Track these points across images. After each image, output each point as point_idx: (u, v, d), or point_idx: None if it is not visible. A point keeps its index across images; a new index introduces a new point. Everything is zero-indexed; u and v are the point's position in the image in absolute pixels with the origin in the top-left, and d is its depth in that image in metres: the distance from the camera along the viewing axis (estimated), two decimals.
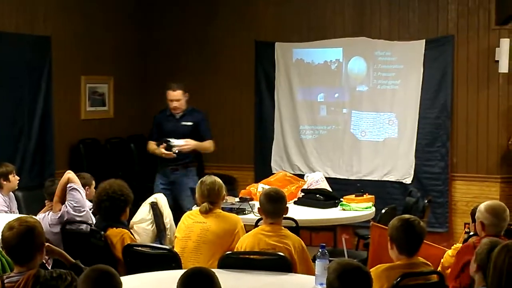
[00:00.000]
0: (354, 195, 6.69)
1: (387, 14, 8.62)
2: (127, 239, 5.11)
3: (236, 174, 9.43)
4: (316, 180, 7.05)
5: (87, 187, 6.11)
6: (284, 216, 4.98)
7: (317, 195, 6.70)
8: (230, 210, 5.96)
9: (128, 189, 5.44)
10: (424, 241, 4.26)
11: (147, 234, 6.10)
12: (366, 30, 8.70)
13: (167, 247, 5.25)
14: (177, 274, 4.03)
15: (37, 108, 8.24)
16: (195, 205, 5.83)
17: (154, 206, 6.19)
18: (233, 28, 9.42)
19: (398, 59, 8.55)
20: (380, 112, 8.68)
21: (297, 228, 5.67)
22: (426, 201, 7.02)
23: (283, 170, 8.36)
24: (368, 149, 8.76)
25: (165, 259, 4.87)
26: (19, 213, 6.54)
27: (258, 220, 5.59)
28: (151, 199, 6.29)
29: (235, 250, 4.86)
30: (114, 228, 5.17)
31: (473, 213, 5.04)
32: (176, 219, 5.80)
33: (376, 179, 8.66)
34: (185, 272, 3.32)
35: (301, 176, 7.51)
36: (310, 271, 4.55)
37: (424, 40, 8.38)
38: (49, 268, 4.57)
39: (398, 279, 3.97)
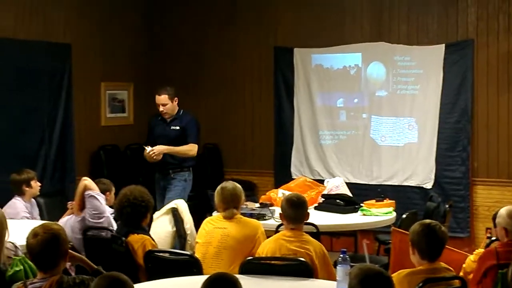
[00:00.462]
0: (374, 200, 6.67)
1: (405, 18, 8.61)
2: (148, 245, 5.09)
3: (256, 180, 9.44)
4: (336, 185, 7.08)
5: (107, 193, 6.11)
6: (305, 221, 4.98)
7: (338, 200, 6.70)
8: (251, 215, 5.96)
9: (149, 195, 5.45)
10: (446, 246, 4.24)
11: (165, 240, 6.06)
12: (385, 35, 8.70)
13: (188, 252, 5.26)
14: (198, 280, 3.99)
15: (57, 115, 8.34)
16: (215, 211, 5.82)
17: (175, 212, 6.17)
18: (252, 34, 9.45)
19: (418, 64, 8.53)
20: (400, 117, 8.67)
21: (317, 233, 5.65)
22: (447, 206, 6.99)
23: (303, 176, 8.35)
24: (388, 154, 8.74)
25: (186, 265, 4.86)
26: (40, 219, 6.58)
27: (279, 225, 5.60)
28: (172, 204, 6.28)
29: (256, 255, 4.86)
30: (135, 234, 5.16)
31: (494, 218, 5.02)
32: None
33: (396, 184, 8.65)
34: (208, 277, 3.32)
35: (321, 181, 7.53)
36: (331, 277, 4.53)
37: (443, 45, 8.35)
38: (73, 274, 4.59)
39: (420, 285, 3.95)
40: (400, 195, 8.19)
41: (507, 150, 8.18)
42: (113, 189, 6.24)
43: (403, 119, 8.66)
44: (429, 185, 8.44)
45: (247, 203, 6.69)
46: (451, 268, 4.22)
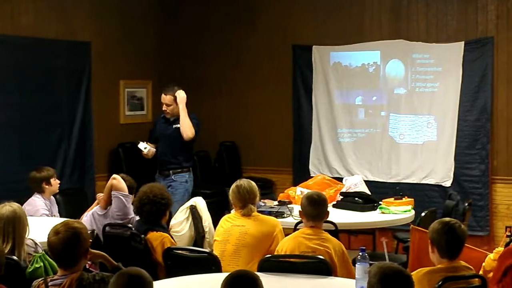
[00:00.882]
0: (393, 198, 6.67)
1: (424, 16, 8.60)
2: (167, 243, 5.14)
3: (274, 178, 9.47)
4: (355, 183, 7.07)
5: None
6: (324, 220, 4.99)
7: (356, 198, 6.71)
8: (269, 213, 5.99)
9: (168, 192, 5.50)
10: (465, 244, 4.23)
11: (181, 237, 6.09)
12: (404, 33, 8.70)
13: (207, 250, 5.27)
14: (216, 277, 4.08)
15: (77, 113, 8.39)
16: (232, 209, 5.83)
17: (193, 210, 6.19)
18: (270, 33, 9.48)
19: (436, 62, 8.53)
20: (418, 115, 8.67)
21: (336, 231, 5.64)
22: (466, 204, 6.97)
23: (321, 174, 8.35)
24: (407, 152, 8.75)
25: (205, 262, 4.87)
26: (60, 217, 6.62)
27: (297, 223, 5.61)
28: (190, 202, 6.30)
29: (275, 253, 4.87)
30: (155, 232, 5.21)
31: None
32: None
33: (415, 182, 8.65)
34: (230, 275, 3.34)
35: (340, 179, 7.53)
36: (350, 275, 4.55)
37: (462, 42, 8.34)
38: (96, 271, 4.61)
39: (440, 283, 3.94)
40: (419, 193, 8.22)
41: None
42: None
43: (422, 117, 8.66)
44: (448, 183, 8.44)
45: (266, 200, 6.78)
46: (471, 267, 4.21)
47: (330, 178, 7.46)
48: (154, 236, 5.17)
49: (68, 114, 8.32)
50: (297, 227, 5.47)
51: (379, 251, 7.00)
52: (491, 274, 4.54)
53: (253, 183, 5.47)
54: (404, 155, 8.75)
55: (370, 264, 3.82)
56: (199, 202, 6.30)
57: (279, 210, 6.23)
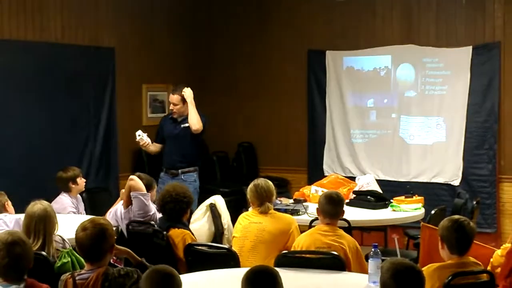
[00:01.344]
0: (404, 197, 6.72)
1: (434, 21, 8.67)
2: (188, 239, 5.22)
3: (290, 177, 9.53)
4: (367, 182, 7.16)
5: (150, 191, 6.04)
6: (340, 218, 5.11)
7: (368, 197, 6.78)
8: (285, 211, 6.06)
9: (190, 191, 5.60)
10: (474, 241, 4.27)
11: (201, 234, 6.12)
12: (414, 38, 8.76)
13: (226, 246, 5.37)
14: (235, 272, 4.20)
15: (102, 116, 8.48)
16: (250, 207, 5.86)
17: (213, 208, 6.29)
18: (286, 38, 9.55)
19: (446, 65, 8.60)
20: (428, 117, 8.74)
21: (349, 228, 5.69)
22: (474, 202, 7.02)
23: (335, 173, 8.46)
24: (417, 152, 8.81)
25: (224, 258, 4.95)
26: (86, 214, 6.69)
27: (313, 220, 5.73)
28: (210, 200, 6.37)
29: (291, 249, 4.93)
30: (176, 229, 5.29)
31: None
32: None
33: (425, 181, 8.72)
34: (250, 270, 3.39)
35: (352, 178, 7.60)
36: (363, 270, 4.62)
37: (471, 47, 8.41)
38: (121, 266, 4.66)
39: (450, 278, 3.98)
40: (429, 192, 8.24)
41: None
42: (155, 186, 6.26)
43: (431, 119, 8.72)
44: (456, 182, 8.52)
45: (282, 199, 6.83)
46: (480, 263, 4.25)
47: (343, 177, 7.55)
48: (176, 233, 5.26)
49: (94, 116, 8.38)
50: (313, 224, 5.58)
51: (390, 247, 6.98)
52: (498, 270, 4.57)
53: (270, 182, 5.55)
54: (414, 155, 8.82)
55: (382, 260, 3.90)
56: (218, 201, 6.37)
57: (294, 208, 6.28)
